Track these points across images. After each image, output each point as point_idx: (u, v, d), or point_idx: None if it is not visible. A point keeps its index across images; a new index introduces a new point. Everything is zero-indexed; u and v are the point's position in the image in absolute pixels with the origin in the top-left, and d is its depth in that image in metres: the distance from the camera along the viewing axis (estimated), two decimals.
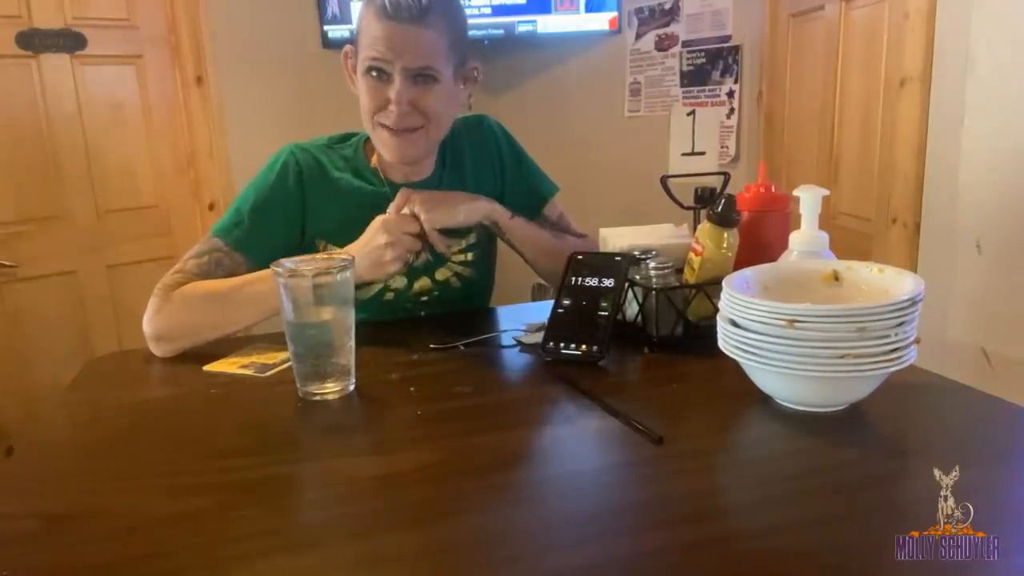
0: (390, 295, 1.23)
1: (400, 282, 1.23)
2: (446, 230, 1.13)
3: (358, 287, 1.18)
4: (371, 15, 1.11)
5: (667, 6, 2.71)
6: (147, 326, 1.09)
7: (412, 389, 0.92)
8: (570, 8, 2.75)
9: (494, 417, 0.85)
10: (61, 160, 2.27)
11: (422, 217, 1.10)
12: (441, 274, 1.26)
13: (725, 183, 1.12)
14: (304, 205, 1.19)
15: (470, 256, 1.28)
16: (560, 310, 1.03)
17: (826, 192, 0.93)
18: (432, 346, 1.07)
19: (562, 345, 0.99)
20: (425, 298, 1.26)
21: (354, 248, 1.09)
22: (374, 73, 1.12)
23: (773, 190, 1.07)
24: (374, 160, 1.23)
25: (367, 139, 1.24)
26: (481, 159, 1.28)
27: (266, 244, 1.15)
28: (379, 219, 1.09)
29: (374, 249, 1.07)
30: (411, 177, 1.23)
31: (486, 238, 1.30)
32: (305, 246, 1.20)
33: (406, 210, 1.10)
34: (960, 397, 0.85)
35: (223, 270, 1.14)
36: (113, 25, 2.32)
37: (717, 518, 0.64)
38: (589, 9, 2.77)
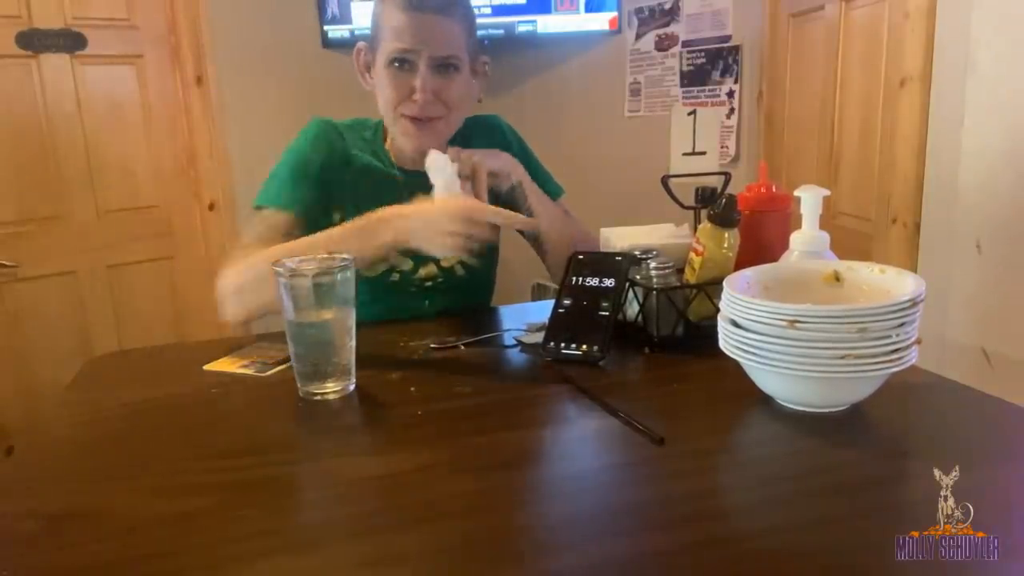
0: (395, 276, 1.25)
1: (406, 264, 1.25)
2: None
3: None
4: (392, 7, 1.13)
5: (667, 6, 2.71)
6: (217, 291, 1.12)
7: (412, 389, 0.92)
8: (570, 8, 2.75)
9: (494, 417, 0.85)
10: (61, 160, 2.27)
11: (475, 159, 1.12)
12: (447, 261, 1.28)
13: (726, 183, 1.12)
14: (332, 170, 1.21)
15: (476, 246, 1.29)
16: (560, 310, 1.03)
17: (827, 192, 0.93)
18: (432, 346, 1.07)
19: (562, 345, 0.99)
20: (429, 283, 1.27)
21: (421, 213, 1.04)
22: (397, 64, 1.14)
23: (774, 190, 1.07)
24: (388, 144, 1.27)
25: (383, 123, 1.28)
26: None
27: (307, 198, 1.17)
28: (463, 204, 1.03)
29: (440, 233, 1.01)
30: (422, 166, 1.23)
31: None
32: (325, 211, 1.21)
33: (454, 168, 1.10)
34: (960, 397, 0.85)
35: (274, 231, 1.15)
36: (113, 25, 2.32)
37: (718, 518, 0.64)
38: (589, 9, 2.77)
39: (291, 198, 1.18)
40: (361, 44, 1.22)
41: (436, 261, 1.27)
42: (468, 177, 1.12)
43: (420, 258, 1.25)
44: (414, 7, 1.11)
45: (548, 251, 1.27)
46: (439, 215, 1.02)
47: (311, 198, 1.18)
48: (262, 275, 1.07)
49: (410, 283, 1.26)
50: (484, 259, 1.31)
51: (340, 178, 1.22)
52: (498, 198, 1.27)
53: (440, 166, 1.11)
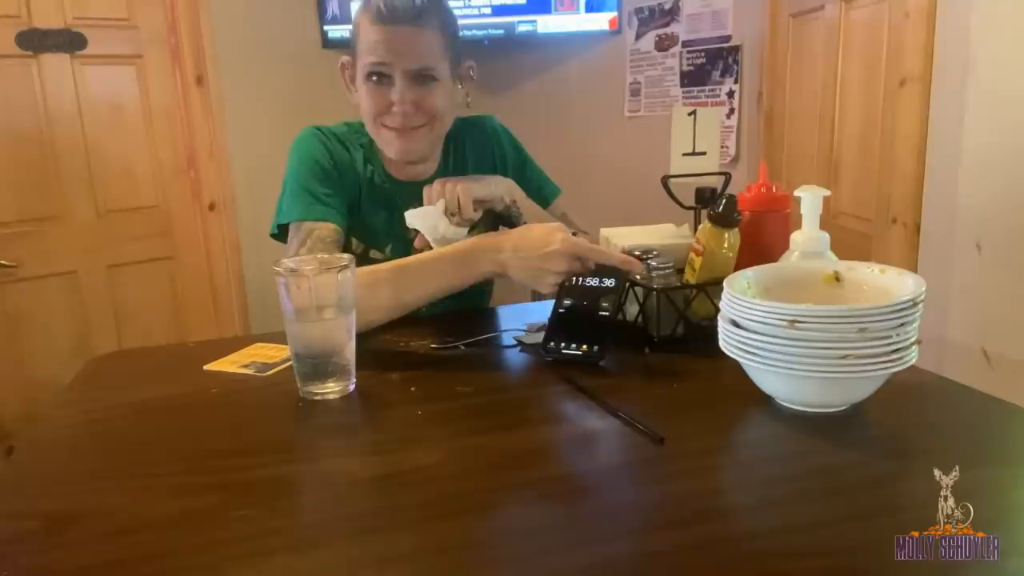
0: None
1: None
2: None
3: None
4: (366, 21, 1.13)
5: (667, 6, 2.71)
6: None
7: (412, 389, 0.92)
8: (570, 8, 2.75)
9: (495, 417, 0.85)
10: (61, 160, 2.27)
11: (459, 188, 1.11)
12: None
13: (726, 183, 1.12)
14: (336, 172, 1.21)
15: None
16: (561, 310, 1.03)
17: (827, 192, 0.93)
18: (432, 346, 1.07)
19: (563, 345, 0.99)
20: None
21: (522, 248, 1.02)
22: (374, 78, 1.14)
23: (774, 190, 1.07)
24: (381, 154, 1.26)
25: None
26: (483, 159, 1.29)
27: (339, 203, 1.18)
28: (567, 243, 1.00)
29: (542, 270, 1.01)
30: (414, 176, 1.23)
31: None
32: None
33: (441, 202, 1.11)
34: (960, 397, 0.85)
35: (327, 242, 1.15)
36: (113, 25, 2.32)
37: (718, 519, 0.64)
38: (589, 9, 2.77)
39: (327, 209, 1.18)
40: (345, 58, 1.22)
41: None
42: (455, 213, 1.11)
43: None
44: (385, 20, 1.11)
45: None
46: (543, 255, 1.00)
47: (341, 202, 1.19)
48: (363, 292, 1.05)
49: None
50: None
51: (342, 181, 1.22)
52: (493, 216, 1.27)
53: (421, 220, 1.12)
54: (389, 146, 1.19)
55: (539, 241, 1.01)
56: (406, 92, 1.13)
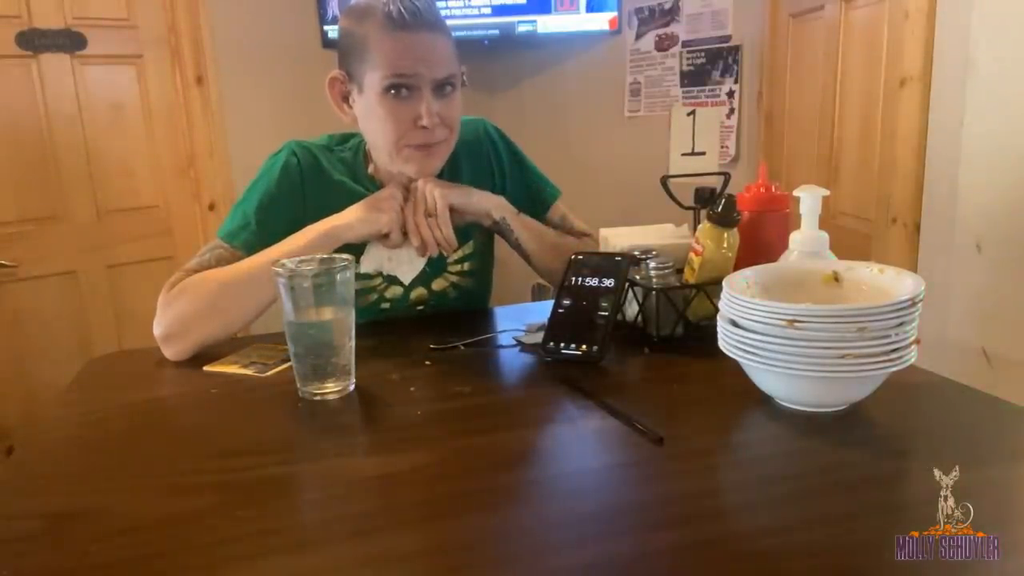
0: (386, 305, 1.23)
1: (396, 292, 1.22)
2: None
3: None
4: (379, 30, 1.06)
5: (667, 6, 2.71)
6: (155, 329, 1.06)
7: (412, 389, 0.92)
8: (570, 8, 2.75)
9: (494, 417, 0.85)
10: (61, 160, 2.27)
11: (436, 193, 1.09)
12: (438, 284, 1.25)
13: (725, 183, 1.12)
14: (305, 204, 1.16)
15: (466, 266, 1.26)
16: (560, 310, 1.03)
17: (826, 192, 0.93)
18: (432, 346, 1.07)
19: (562, 345, 0.99)
20: (421, 307, 1.25)
21: (352, 211, 1.10)
22: (393, 91, 1.07)
23: (773, 190, 1.07)
24: (371, 167, 1.21)
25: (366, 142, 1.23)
26: (478, 165, 1.25)
27: (268, 244, 1.11)
28: (388, 193, 1.11)
29: (372, 211, 1.09)
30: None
31: (483, 249, 1.29)
32: None
33: (427, 197, 1.11)
34: (960, 397, 0.85)
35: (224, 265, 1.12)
36: (113, 25, 2.32)
37: (718, 518, 0.64)
38: (589, 9, 2.77)
39: (250, 242, 1.12)
40: (337, 73, 1.14)
41: (427, 285, 1.23)
42: (431, 215, 1.10)
43: (410, 284, 1.21)
44: (406, 27, 1.04)
45: (541, 271, 1.23)
46: (372, 202, 1.11)
47: (276, 239, 1.11)
48: (191, 314, 1.06)
49: (401, 310, 1.23)
50: (476, 277, 1.28)
51: (315, 204, 1.14)
52: (484, 231, 1.24)
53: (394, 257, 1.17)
54: (412, 165, 1.12)
55: (366, 201, 1.12)
56: (433, 104, 1.07)
